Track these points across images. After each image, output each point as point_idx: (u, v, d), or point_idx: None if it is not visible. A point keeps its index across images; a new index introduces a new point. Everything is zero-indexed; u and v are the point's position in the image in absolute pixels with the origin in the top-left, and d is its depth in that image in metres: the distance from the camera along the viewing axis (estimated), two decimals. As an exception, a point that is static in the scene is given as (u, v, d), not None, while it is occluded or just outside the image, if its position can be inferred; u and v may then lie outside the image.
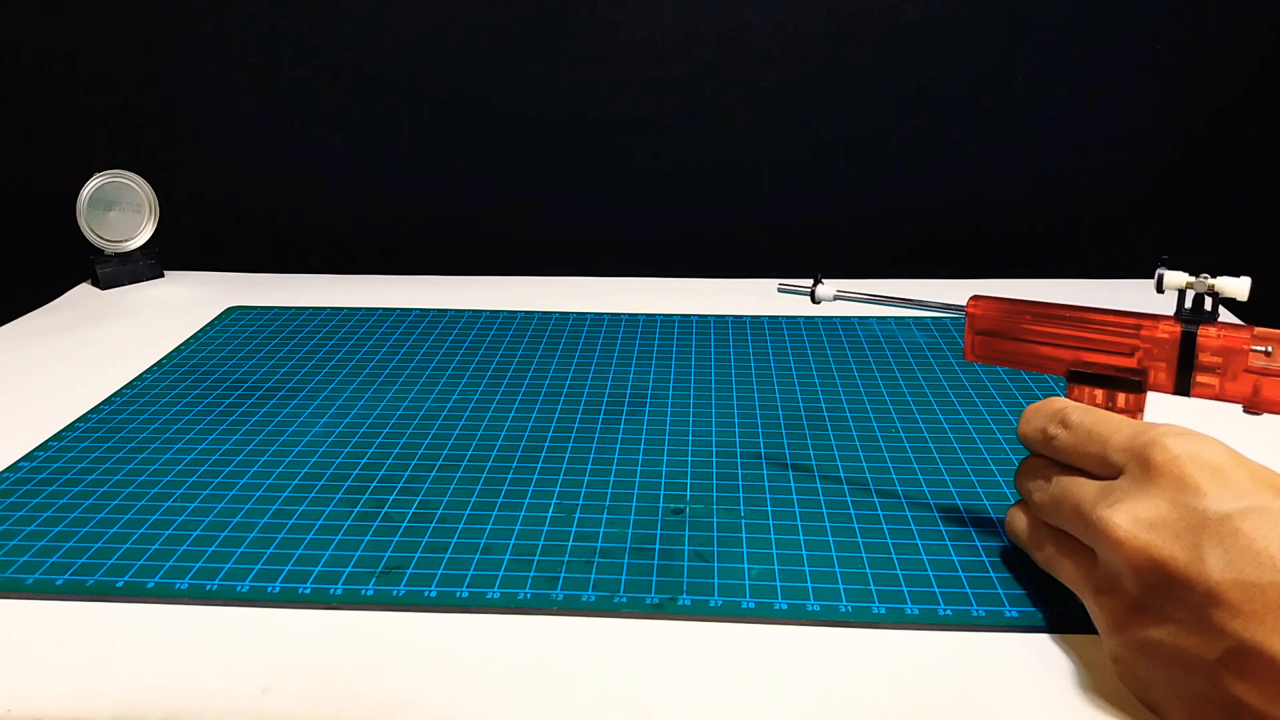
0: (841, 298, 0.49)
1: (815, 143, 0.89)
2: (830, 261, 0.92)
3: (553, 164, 0.92)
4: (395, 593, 0.43)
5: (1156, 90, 0.86)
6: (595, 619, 0.41)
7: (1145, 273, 0.82)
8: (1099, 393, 0.42)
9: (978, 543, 0.46)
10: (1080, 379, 0.42)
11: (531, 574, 0.44)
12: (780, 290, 0.51)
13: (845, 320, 0.76)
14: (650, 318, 0.77)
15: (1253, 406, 0.39)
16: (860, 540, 0.46)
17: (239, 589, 0.43)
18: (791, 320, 0.76)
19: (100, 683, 0.38)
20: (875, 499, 0.50)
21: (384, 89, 0.90)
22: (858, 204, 0.91)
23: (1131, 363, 0.41)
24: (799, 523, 0.48)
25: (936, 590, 0.42)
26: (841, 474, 0.53)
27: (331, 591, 0.43)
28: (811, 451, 0.55)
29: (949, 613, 0.41)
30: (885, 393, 0.63)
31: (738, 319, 0.77)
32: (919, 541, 0.46)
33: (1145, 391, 0.41)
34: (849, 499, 0.50)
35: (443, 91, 0.89)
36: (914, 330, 0.73)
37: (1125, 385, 0.41)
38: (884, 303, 0.48)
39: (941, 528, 0.47)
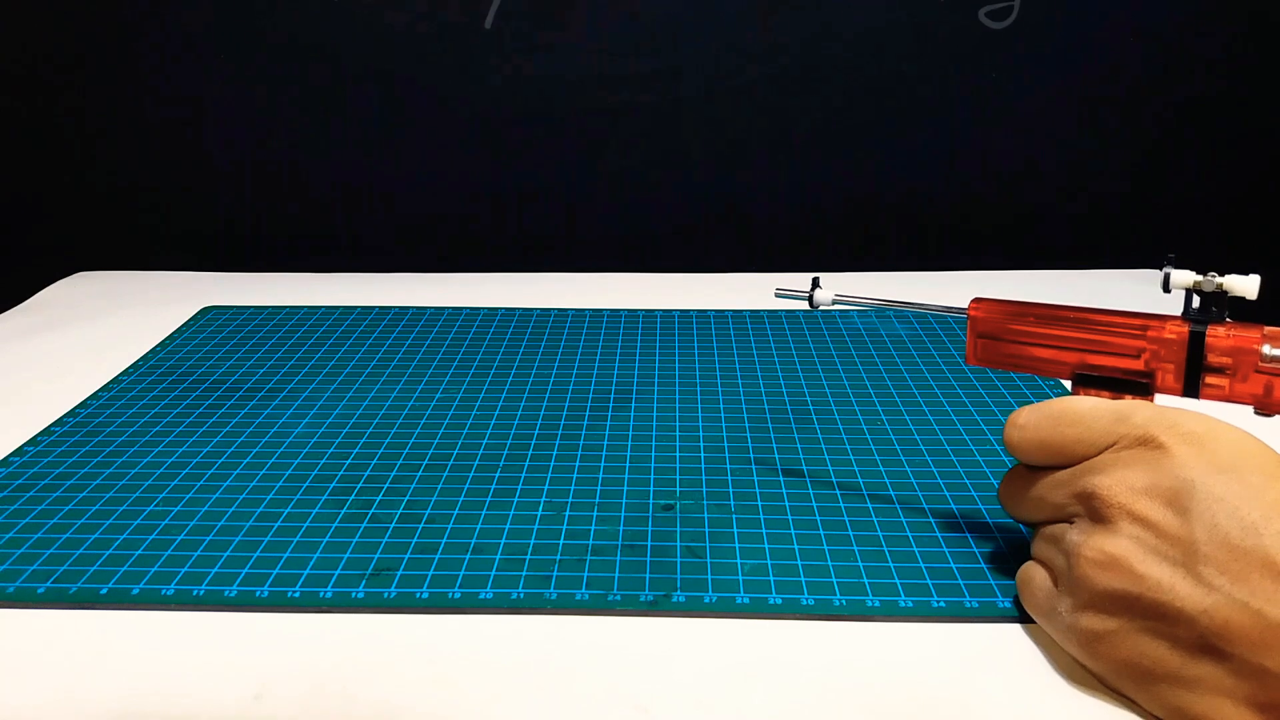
0: (840, 302, 0.48)
1: (806, 134, 0.89)
2: (822, 254, 0.92)
3: (537, 158, 0.91)
4: (386, 595, 0.42)
5: (1156, 82, 0.87)
6: (590, 617, 0.41)
7: (1142, 263, 0.83)
8: (1105, 395, 0.41)
9: (968, 534, 0.46)
10: (1086, 382, 0.42)
11: (524, 573, 0.43)
12: (778, 295, 0.49)
13: (827, 314, 0.76)
14: (632, 313, 0.77)
15: (1264, 408, 0.38)
16: (851, 534, 0.46)
17: (227, 593, 0.42)
18: (773, 314, 0.76)
19: (87, 693, 0.37)
20: (864, 491, 0.50)
21: (363, 83, 0.89)
22: (849, 196, 0.91)
23: (1138, 365, 0.41)
24: (789, 517, 0.48)
25: (929, 582, 0.42)
26: (830, 467, 0.53)
27: (321, 594, 0.42)
28: (799, 445, 0.55)
29: (942, 604, 0.41)
30: (869, 386, 0.63)
31: (719, 313, 0.76)
32: (909, 534, 0.46)
33: (1153, 394, 0.40)
34: (838, 492, 0.50)
35: (424, 85, 0.89)
36: (894, 324, 0.74)
37: (1132, 388, 0.41)
38: (883, 306, 0.48)
39: (931, 519, 0.47)
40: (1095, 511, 0.35)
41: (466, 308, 0.78)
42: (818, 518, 0.48)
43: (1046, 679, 0.37)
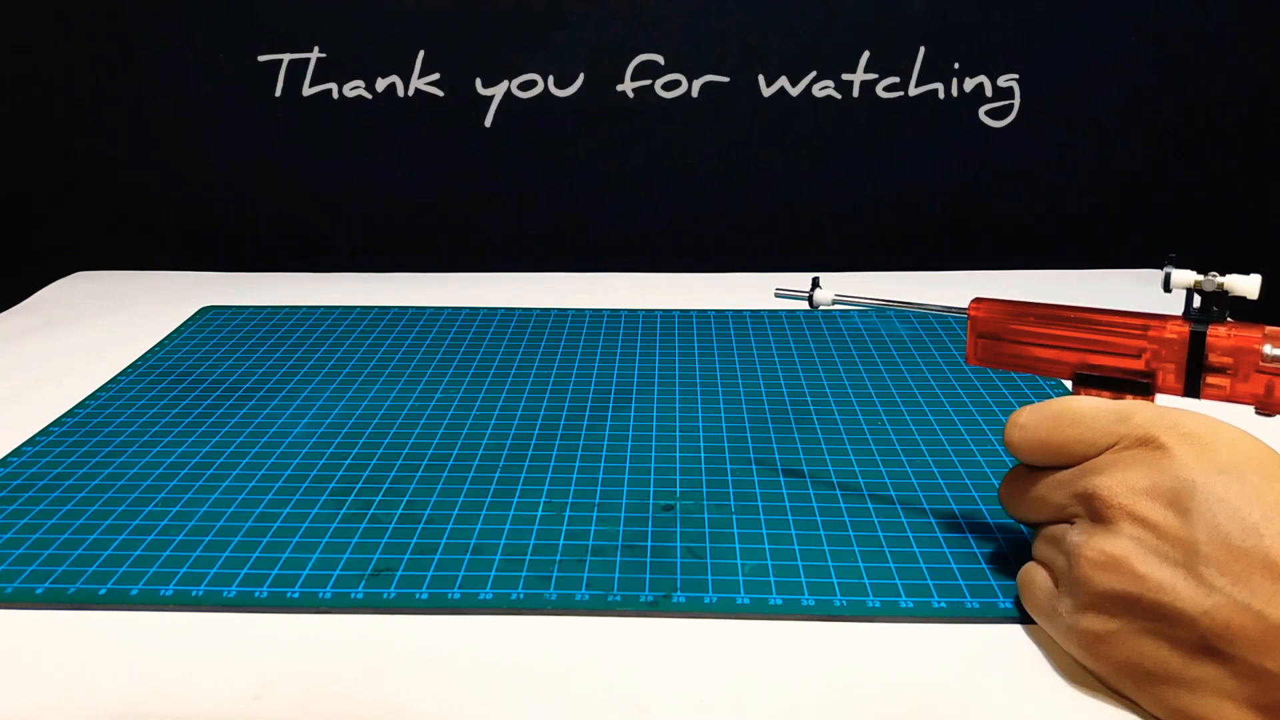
0: (840, 302, 0.47)
1: (807, 135, 0.89)
2: (822, 254, 0.92)
3: (536, 158, 0.91)
4: (386, 595, 0.42)
5: (1156, 82, 0.86)
6: (590, 618, 0.41)
7: (1142, 263, 0.83)
8: (1106, 395, 0.41)
9: (969, 534, 0.46)
10: (1086, 382, 0.42)
11: (524, 574, 0.43)
12: (778, 295, 0.49)
13: (827, 314, 0.76)
14: (632, 313, 0.77)
15: (1265, 408, 0.38)
16: (851, 534, 0.46)
17: (226, 594, 0.42)
18: (773, 314, 0.76)
19: (87, 693, 0.37)
20: (864, 491, 0.50)
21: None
22: (849, 196, 0.91)
23: (1139, 365, 0.40)
24: (789, 517, 0.48)
25: (930, 583, 0.42)
26: (830, 467, 0.53)
27: (321, 595, 0.42)
28: (799, 445, 0.55)
29: (943, 605, 0.41)
30: (869, 386, 0.63)
31: (719, 313, 0.76)
32: (910, 534, 0.46)
33: (1154, 394, 0.40)
34: (838, 492, 0.50)
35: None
36: (894, 324, 0.74)
37: (1133, 388, 0.40)
38: (883, 306, 0.47)
39: (931, 519, 0.47)
40: (1096, 512, 0.35)
41: (466, 308, 0.78)
42: (818, 518, 0.48)
43: (1047, 680, 0.37)
